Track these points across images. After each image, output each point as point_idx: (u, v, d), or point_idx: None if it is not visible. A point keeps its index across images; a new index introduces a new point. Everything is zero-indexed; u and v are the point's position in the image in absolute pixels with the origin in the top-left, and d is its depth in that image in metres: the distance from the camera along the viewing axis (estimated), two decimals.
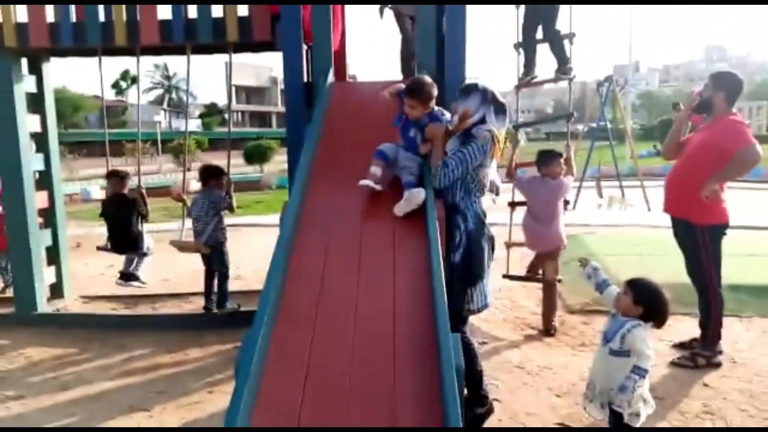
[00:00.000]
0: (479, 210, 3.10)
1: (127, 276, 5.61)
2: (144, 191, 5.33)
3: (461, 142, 3.07)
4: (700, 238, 3.95)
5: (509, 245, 5.24)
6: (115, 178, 5.48)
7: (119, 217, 5.34)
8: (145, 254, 5.61)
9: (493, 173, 3.23)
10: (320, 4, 4.30)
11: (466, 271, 3.01)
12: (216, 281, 5.26)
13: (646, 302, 2.83)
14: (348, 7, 5.33)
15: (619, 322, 2.86)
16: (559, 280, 4.96)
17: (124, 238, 5.39)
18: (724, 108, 3.96)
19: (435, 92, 3.18)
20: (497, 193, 3.42)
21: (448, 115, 3.21)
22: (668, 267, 5.94)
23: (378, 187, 3.09)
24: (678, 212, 4.14)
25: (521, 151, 5.08)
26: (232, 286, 5.72)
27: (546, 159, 4.75)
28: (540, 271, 4.99)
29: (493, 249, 3.16)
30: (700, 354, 4.06)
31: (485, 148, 3.02)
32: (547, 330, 4.76)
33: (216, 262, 5.23)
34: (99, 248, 5.56)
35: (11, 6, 4.82)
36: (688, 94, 4.36)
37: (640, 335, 2.77)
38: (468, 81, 3.33)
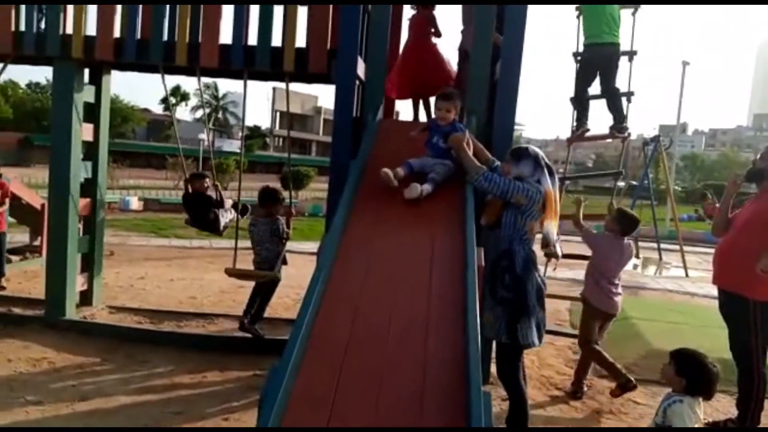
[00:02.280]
0: (528, 257, 3.25)
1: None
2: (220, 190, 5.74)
3: None
4: (750, 313, 3.78)
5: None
6: (196, 179, 5.80)
7: (198, 208, 5.63)
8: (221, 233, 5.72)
9: (550, 232, 3.34)
10: (378, 43, 4.36)
11: (512, 306, 3.19)
12: (259, 300, 5.25)
13: (689, 374, 2.79)
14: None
15: (666, 396, 2.87)
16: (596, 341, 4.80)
17: (202, 221, 5.66)
18: None
19: (458, 99, 3.65)
20: (556, 255, 3.59)
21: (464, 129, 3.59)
22: (704, 338, 5.74)
23: (395, 183, 3.40)
24: (728, 285, 3.98)
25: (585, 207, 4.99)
26: None
27: (632, 222, 4.60)
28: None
29: (540, 297, 3.27)
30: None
31: (531, 196, 3.21)
32: (575, 392, 4.58)
33: (271, 286, 5.26)
34: (186, 222, 5.82)
35: (82, 19, 5.02)
36: (732, 177, 4.25)
37: (680, 410, 2.73)
38: (518, 145, 3.53)
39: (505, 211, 3.26)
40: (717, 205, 4.22)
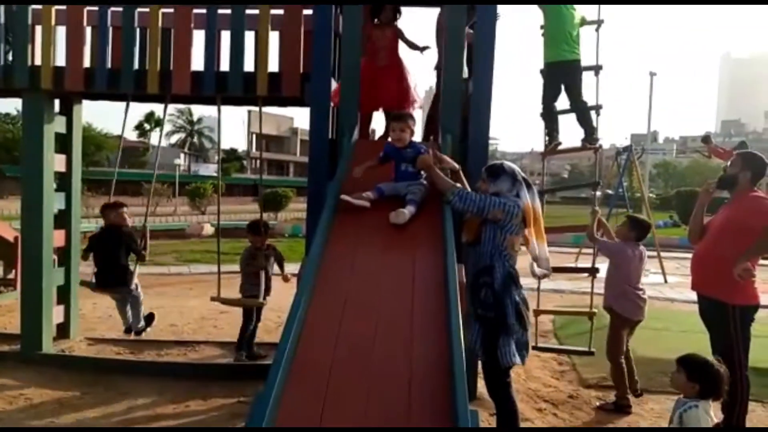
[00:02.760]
0: (509, 273, 3.20)
1: (131, 332, 5.32)
2: (147, 231, 5.23)
3: None
4: (730, 318, 3.83)
5: (538, 313, 5.10)
6: (110, 209, 5.10)
7: (107, 250, 4.96)
8: (131, 293, 5.16)
9: (535, 247, 3.33)
10: (350, 65, 4.40)
11: (490, 324, 3.16)
12: (252, 327, 5.46)
13: (702, 379, 2.83)
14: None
15: (680, 403, 2.89)
16: (592, 353, 4.91)
17: (111, 272, 4.99)
18: (748, 186, 3.98)
19: (412, 119, 3.67)
20: (545, 268, 3.46)
21: (425, 148, 3.57)
22: (686, 343, 5.77)
23: (367, 204, 3.41)
24: (707, 290, 4.04)
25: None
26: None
27: (646, 227, 4.87)
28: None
29: (520, 315, 3.19)
30: None
31: (509, 210, 3.18)
32: (635, 392, 4.60)
33: (259, 313, 5.49)
34: (83, 283, 5.27)
35: (50, 50, 4.98)
36: (704, 185, 4.33)
37: (696, 415, 2.77)
38: (493, 162, 3.53)
39: (484, 227, 3.24)
40: (720, 148, 4.30)
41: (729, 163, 4.19)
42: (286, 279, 5.36)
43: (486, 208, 3.18)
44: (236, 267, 5.68)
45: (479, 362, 3.69)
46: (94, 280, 5.10)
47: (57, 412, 4.20)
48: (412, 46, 5.13)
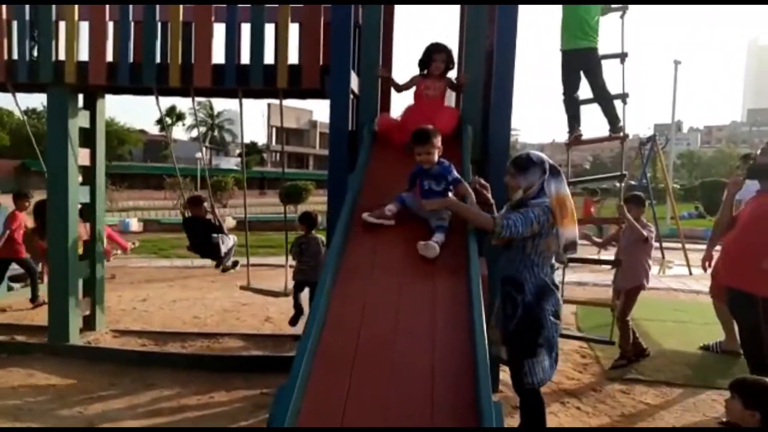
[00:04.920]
0: (542, 283, 3.08)
1: (225, 269, 5.90)
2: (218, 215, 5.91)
3: (516, 207, 3.14)
4: (759, 309, 3.76)
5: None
6: (195, 203, 5.91)
7: (199, 234, 5.76)
8: (227, 254, 5.78)
9: (566, 236, 3.12)
10: (370, 56, 4.37)
11: (521, 342, 3.05)
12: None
13: (762, 405, 2.44)
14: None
15: None
16: (612, 342, 4.97)
17: (204, 249, 5.78)
18: None
19: (438, 135, 3.36)
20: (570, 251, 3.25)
21: (454, 168, 3.34)
22: (711, 336, 5.73)
23: (390, 222, 3.25)
24: (737, 283, 3.98)
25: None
26: (262, 328, 6.10)
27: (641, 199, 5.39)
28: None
29: (557, 320, 3.13)
30: None
31: (541, 221, 3.04)
32: (641, 353, 5.20)
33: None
34: (188, 248, 5.96)
35: (74, 44, 5.03)
36: (733, 176, 4.25)
37: None
38: (518, 154, 3.32)
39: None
40: None
41: (759, 151, 4.09)
42: None
43: (528, 227, 3.02)
44: (259, 259, 5.83)
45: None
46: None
47: (84, 403, 4.27)
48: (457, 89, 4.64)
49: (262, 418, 3.93)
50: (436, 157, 3.30)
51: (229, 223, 19.16)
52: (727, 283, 4.10)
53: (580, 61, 5.06)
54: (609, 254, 6.97)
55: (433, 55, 4.24)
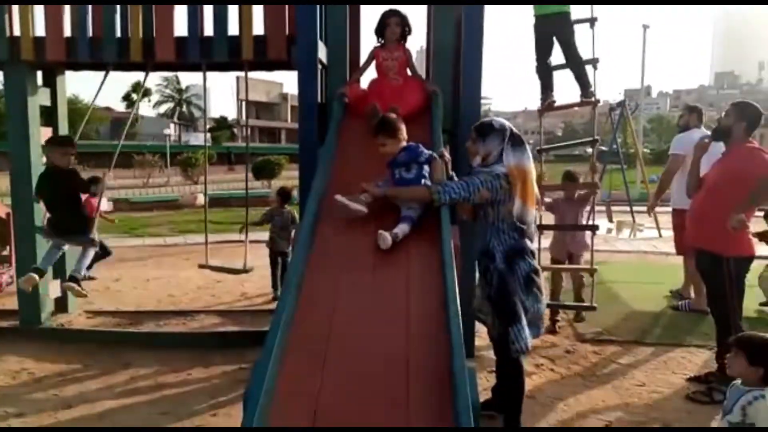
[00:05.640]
0: (509, 249, 3.11)
1: (72, 278, 4.59)
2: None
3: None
4: (725, 269, 3.85)
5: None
6: (55, 146, 4.46)
7: (63, 194, 4.42)
8: (92, 242, 4.64)
9: (519, 210, 3.12)
10: (337, 26, 4.30)
11: (502, 309, 3.08)
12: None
13: (766, 360, 2.44)
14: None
15: (738, 391, 2.48)
16: (594, 308, 5.06)
17: (69, 220, 4.46)
18: (743, 137, 3.94)
19: (400, 125, 3.23)
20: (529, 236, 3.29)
21: (423, 148, 3.19)
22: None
23: (364, 210, 3.06)
24: (703, 243, 4.07)
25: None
26: (238, 304, 6.15)
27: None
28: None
29: (531, 284, 3.13)
30: (717, 389, 3.93)
31: (493, 186, 3.03)
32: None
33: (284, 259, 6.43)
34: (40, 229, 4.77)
35: (29, 19, 4.85)
36: (697, 143, 4.31)
37: (766, 407, 2.38)
38: (481, 120, 3.29)
39: (477, 207, 3.17)
40: None
41: (723, 114, 4.15)
42: None
43: (472, 193, 3.02)
44: (229, 236, 5.78)
45: (476, 323, 3.72)
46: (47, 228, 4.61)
47: (60, 385, 4.23)
48: (417, 75, 4.40)
49: (241, 392, 3.93)
50: (396, 147, 3.19)
51: (201, 200, 18.96)
52: (694, 245, 4.19)
53: (552, 27, 5.06)
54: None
55: (386, 20, 4.20)
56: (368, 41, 4.78)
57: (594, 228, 5.14)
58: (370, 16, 5.18)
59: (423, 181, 3.11)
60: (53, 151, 4.44)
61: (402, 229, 2.94)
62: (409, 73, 4.33)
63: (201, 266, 5.62)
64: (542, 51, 5.15)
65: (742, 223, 3.69)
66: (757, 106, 4.02)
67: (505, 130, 3.13)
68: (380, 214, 3.10)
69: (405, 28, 4.26)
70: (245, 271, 5.34)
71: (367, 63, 4.34)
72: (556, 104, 5.28)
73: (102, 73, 5.16)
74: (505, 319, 3.08)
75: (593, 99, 5.12)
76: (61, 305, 5.74)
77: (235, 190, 19.09)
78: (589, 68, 5.10)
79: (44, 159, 5.32)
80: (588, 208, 5.38)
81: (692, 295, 5.76)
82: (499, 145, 3.11)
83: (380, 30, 4.26)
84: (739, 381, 2.53)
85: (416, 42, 5.30)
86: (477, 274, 3.31)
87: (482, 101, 4.68)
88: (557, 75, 5.28)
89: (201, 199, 18.52)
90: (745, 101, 4.22)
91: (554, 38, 5.08)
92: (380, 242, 2.87)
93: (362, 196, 3.08)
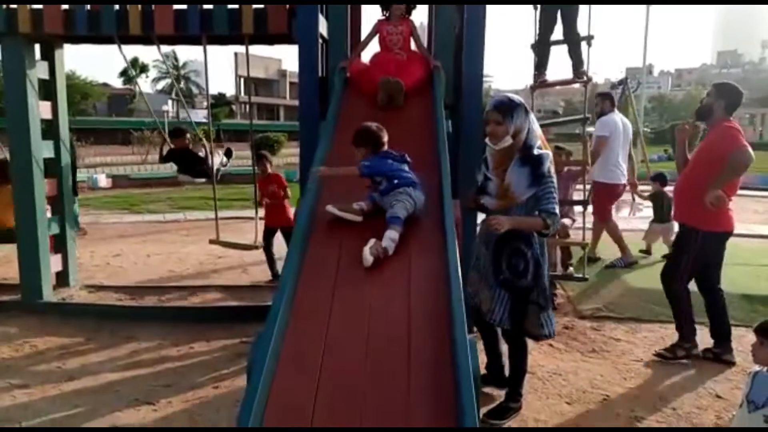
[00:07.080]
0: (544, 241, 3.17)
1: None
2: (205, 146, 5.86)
3: (522, 162, 3.00)
4: (692, 241, 4.05)
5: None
6: (177, 135, 5.96)
7: (186, 162, 5.92)
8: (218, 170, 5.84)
9: None
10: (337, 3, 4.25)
11: (539, 296, 3.12)
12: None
13: None
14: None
15: (765, 379, 2.36)
16: (585, 279, 5.19)
17: (195, 171, 5.97)
18: (722, 116, 4.05)
19: (370, 134, 3.05)
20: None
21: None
22: None
23: (358, 219, 2.92)
24: (683, 218, 4.24)
25: None
26: (239, 279, 6.10)
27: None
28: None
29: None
30: (679, 346, 4.21)
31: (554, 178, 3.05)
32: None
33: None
34: (178, 172, 6.21)
35: None
36: (679, 125, 4.47)
37: None
38: (498, 99, 3.08)
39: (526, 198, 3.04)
40: None
41: (706, 93, 4.27)
42: None
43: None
44: (232, 213, 5.78)
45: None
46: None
47: (62, 358, 4.27)
48: (422, 49, 4.40)
49: (242, 365, 3.97)
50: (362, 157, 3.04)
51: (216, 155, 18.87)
52: (677, 219, 4.36)
53: (560, 3, 5.02)
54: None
55: None
56: (369, 16, 4.71)
57: (585, 203, 5.22)
58: None
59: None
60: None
61: (391, 236, 2.72)
62: (413, 46, 4.30)
63: (212, 241, 5.76)
64: (545, 27, 5.11)
65: (720, 199, 3.79)
66: (738, 87, 4.11)
67: (522, 102, 3.05)
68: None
69: (411, 3, 4.24)
70: (256, 247, 5.58)
71: (370, 36, 4.30)
72: (548, 81, 5.29)
73: (99, 48, 5.11)
74: (540, 305, 3.14)
75: (585, 78, 5.13)
76: (62, 280, 5.77)
77: (234, 167, 19.02)
78: (583, 45, 5.08)
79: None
80: (578, 186, 5.47)
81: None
82: (526, 119, 3.00)
83: (386, 3, 4.22)
84: (765, 369, 2.42)
85: (417, 19, 5.25)
86: (479, 258, 3.29)
87: (484, 79, 4.66)
88: (553, 51, 5.28)
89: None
90: (726, 82, 4.30)
91: (558, 12, 5.04)
92: (363, 260, 2.63)
93: (355, 205, 2.95)
